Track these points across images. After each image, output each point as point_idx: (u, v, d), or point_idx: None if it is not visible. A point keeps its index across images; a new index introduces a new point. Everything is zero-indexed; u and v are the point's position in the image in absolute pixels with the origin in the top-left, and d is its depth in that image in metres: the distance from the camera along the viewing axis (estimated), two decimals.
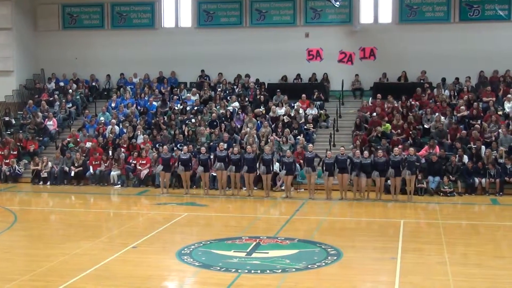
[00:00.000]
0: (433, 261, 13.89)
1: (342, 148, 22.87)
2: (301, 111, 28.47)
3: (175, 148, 26.45)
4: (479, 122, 26.26)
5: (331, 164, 21.93)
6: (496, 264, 13.78)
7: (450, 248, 15.13)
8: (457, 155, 24.33)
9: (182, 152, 24.23)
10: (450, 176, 23.59)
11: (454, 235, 16.81)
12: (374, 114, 27.37)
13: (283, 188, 23.59)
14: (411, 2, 30.80)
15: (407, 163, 21.87)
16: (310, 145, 23.83)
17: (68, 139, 28.27)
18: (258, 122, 27.89)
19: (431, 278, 12.57)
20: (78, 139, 28.04)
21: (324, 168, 22.20)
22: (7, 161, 27.21)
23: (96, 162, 26.31)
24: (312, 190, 22.47)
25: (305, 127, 27.71)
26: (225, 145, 24.70)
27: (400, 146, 23.57)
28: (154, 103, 30.29)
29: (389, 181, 22.22)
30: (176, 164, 24.10)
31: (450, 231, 17.27)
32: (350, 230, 17.43)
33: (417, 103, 28.24)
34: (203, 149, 23.86)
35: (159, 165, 24.12)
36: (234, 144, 25.21)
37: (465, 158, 24.28)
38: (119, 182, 25.93)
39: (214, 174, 24.12)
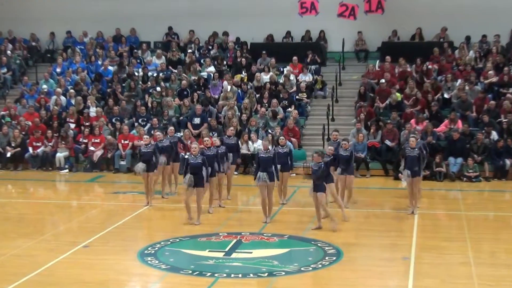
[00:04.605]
0: (454, 261, 13.94)
1: (330, 148, 18.13)
2: (292, 77, 28.40)
3: (136, 124, 26.37)
4: (511, 90, 26.34)
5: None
6: None
7: (475, 245, 15.17)
8: (484, 131, 24.40)
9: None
10: (476, 157, 23.66)
11: (480, 230, 16.87)
12: (382, 81, 27.34)
13: None
14: None
15: (406, 159, 18.22)
16: (263, 141, 18.76)
17: (2, 112, 28.04)
18: (239, 91, 27.79)
19: (452, 282, 12.62)
20: (16, 113, 27.83)
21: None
22: None
23: (37, 143, 26.18)
24: (268, 210, 17.68)
25: (297, 97, 27.66)
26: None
27: (417, 130, 23.19)
28: (110, 67, 30.09)
29: (402, 184, 20.26)
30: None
31: (475, 224, 17.32)
32: (352, 224, 17.43)
33: (435, 67, 28.25)
34: (146, 139, 19.71)
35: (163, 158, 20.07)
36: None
37: (494, 135, 24.35)
38: (66, 166, 25.80)
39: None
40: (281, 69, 29.13)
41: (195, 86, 28.45)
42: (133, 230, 17.11)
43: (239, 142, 23.50)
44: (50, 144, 26.23)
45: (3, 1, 33.18)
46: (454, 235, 16.21)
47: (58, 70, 30.50)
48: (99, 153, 25.64)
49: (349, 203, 18.89)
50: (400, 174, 19.42)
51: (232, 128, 21.66)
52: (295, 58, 29.26)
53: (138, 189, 21.70)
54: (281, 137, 19.82)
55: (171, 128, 21.62)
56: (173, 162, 20.85)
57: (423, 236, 16.12)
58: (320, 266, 13.69)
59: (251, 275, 13.11)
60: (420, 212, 18.30)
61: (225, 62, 30.15)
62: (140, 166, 19.16)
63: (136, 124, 26.48)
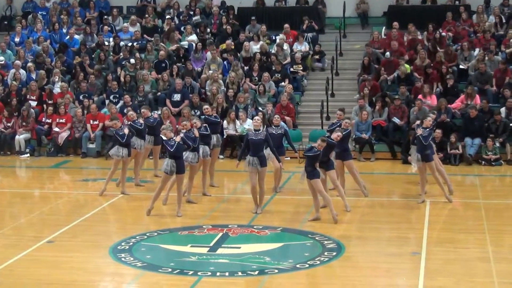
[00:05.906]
0: (471, 257, 14.01)
1: (338, 135, 17.60)
2: (285, 46, 28.39)
3: (107, 101, 26.31)
4: None
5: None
6: None
7: (495, 238, 15.24)
8: (505, 108, 24.44)
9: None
10: (496, 138, 23.70)
11: (501, 220, 16.91)
12: (388, 54, 27.35)
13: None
14: None
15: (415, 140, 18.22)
16: (256, 119, 18.08)
17: None
18: (225, 62, 27.77)
19: (469, 280, 12.67)
20: None
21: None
22: None
23: None
24: (259, 199, 17.59)
25: (292, 69, 27.66)
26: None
27: (425, 104, 23.23)
28: (76, 36, 30.02)
29: (413, 168, 20.37)
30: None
31: (496, 214, 17.40)
32: (355, 214, 17.49)
33: (450, 34, 28.26)
34: (115, 123, 19.60)
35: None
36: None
37: None
38: (27, 150, 25.78)
39: None
40: (273, 38, 29.07)
41: (175, 58, 28.40)
42: (104, 223, 17.16)
43: (226, 121, 23.55)
44: (8, 124, 26.19)
45: None
46: (471, 227, 16.30)
47: (17, 39, 30.37)
48: (64, 134, 25.61)
49: (366, 190, 19.09)
50: (409, 157, 19.47)
51: (207, 107, 20.82)
52: (286, 25, 29.19)
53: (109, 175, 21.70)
54: (276, 116, 19.76)
55: (144, 110, 20.94)
56: (154, 145, 20.84)
57: (435, 228, 16.19)
58: (318, 262, 13.71)
59: (240, 273, 13.13)
60: (433, 200, 18.38)
61: (208, 30, 30.08)
62: (122, 151, 19.09)
63: (107, 101, 26.41)
